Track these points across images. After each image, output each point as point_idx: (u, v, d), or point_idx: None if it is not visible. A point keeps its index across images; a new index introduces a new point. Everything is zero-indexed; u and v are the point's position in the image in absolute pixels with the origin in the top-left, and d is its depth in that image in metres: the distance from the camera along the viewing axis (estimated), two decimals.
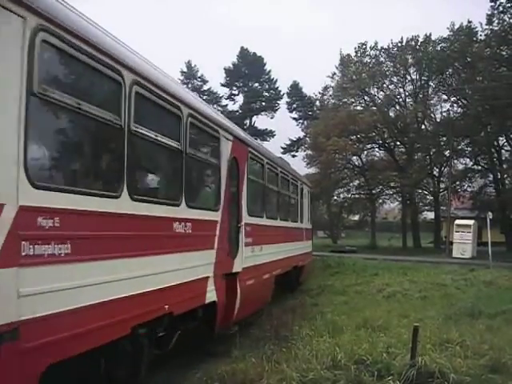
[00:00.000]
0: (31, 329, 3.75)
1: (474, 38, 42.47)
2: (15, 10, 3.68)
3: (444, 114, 47.41)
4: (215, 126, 8.22)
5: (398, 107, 50.18)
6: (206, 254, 7.55)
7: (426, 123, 49.14)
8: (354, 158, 50.76)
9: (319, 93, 55.47)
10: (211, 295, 7.67)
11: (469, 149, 46.21)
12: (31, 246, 3.79)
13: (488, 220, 25.84)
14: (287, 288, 15.27)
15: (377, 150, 52.49)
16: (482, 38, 41.51)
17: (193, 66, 67.05)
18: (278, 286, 13.46)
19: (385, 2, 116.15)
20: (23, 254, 3.71)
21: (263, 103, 67.03)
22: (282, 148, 63.29)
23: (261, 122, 67.18)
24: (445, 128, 43.13)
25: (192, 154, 7.04)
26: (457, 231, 34.84)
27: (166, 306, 6.04)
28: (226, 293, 8.51)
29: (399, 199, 52.19)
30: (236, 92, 67.97)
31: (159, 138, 6.02)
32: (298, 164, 50.69)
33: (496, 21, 39.57)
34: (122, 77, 5.20)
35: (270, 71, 66.80)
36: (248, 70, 65.68)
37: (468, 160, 47.25)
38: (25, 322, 3.68)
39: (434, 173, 49.04)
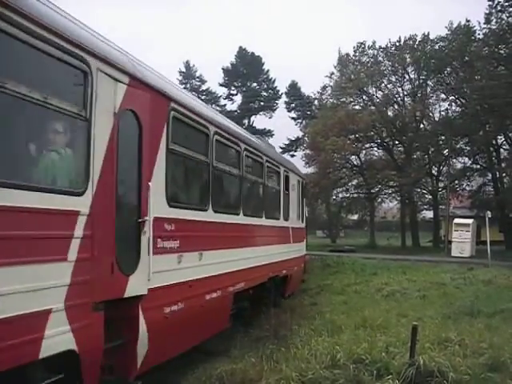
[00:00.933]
0: None
1: (472, 37, 42.50)
2: None
3: (442, 113, 47.73)
4: (75, 48, 4.64)
5: (396, 106, 50.28)
6: (36, 271, 4.12)
7: (424, 122, 49.23)
8: (353, 157, 50.80)
9: (318, 92, 55.63)
10: (61, 342, 4.40)
11: (467, 148, 46.25)
12: None
13: (487, 219, 25.87)
14: (263, 306, 11.46)
15: (375, 149, 52.62)
16: (480, 36, 41.58)
17: (191, 66, 67.27)
18: (251, 304, 10.68)
19: (384, 2, 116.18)
20: None
21: (262, 103, 67.12)
22: (280, 148, 63.29)
23: (259, 121, 67.42)
24: (443, 127, 43.21)
25: None
26: (456, 230, 34.85)
27: None
28: (115, 331, 5.33)
29: (398, 198, 52.21)
30: (234, 92, 68.11)
31: None
32: (297, 163, 50.63)
33: (494, 20, 39.61)
34: None
35: (268, 71, 67.00)
36: (246, 70, 65.72)
37: (467, 159, 47.46)
38: None
39: (433, 172, 49.15)
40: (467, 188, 48.48)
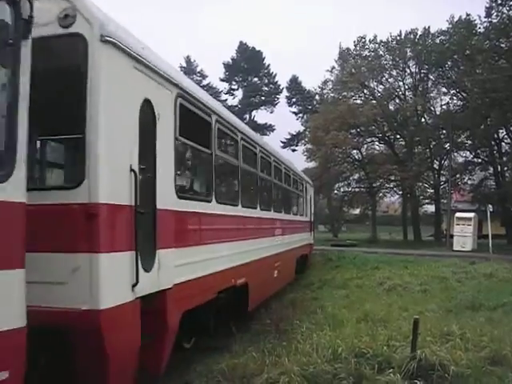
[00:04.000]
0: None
1: (473, 31, 42.31)
2: None
3: (444, 106, 47.50)
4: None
5: (397, 100, 50.12)
6: None
7: (425, 116, 49.13)
8: (354, 151, 50.79)
9: (319, 87, 55.53)
10: None
11: (469, 142, 46.16)
12: None
13: (488, 213, 25.90)
14: None
15: (377, 143, 52.63)
16: (481, 30, 41.42)
17: (192, 61, 67.14)
18: None
19: None
20: None
21: (263, 98, 67.08)
22: (281, 142, 63.38)
23: (260, 116, 67.60)
24: (444, 121, 43.06)
25: None
26: (457, 224, 34.79)
27: None
28: None
29: (400, 192, 52.23)
30: (235, 87, 68.09)
31: None
32: (299, 158, 50.79)
33: (495, 13, 39.48)
34: None
35: (269, 65, 66.95)
36: (247, 65, 65.64)
37: (468, 153, 47.40)
38: None
39: (435, 166, 49.05)
40: (469, 182, 48.48)
